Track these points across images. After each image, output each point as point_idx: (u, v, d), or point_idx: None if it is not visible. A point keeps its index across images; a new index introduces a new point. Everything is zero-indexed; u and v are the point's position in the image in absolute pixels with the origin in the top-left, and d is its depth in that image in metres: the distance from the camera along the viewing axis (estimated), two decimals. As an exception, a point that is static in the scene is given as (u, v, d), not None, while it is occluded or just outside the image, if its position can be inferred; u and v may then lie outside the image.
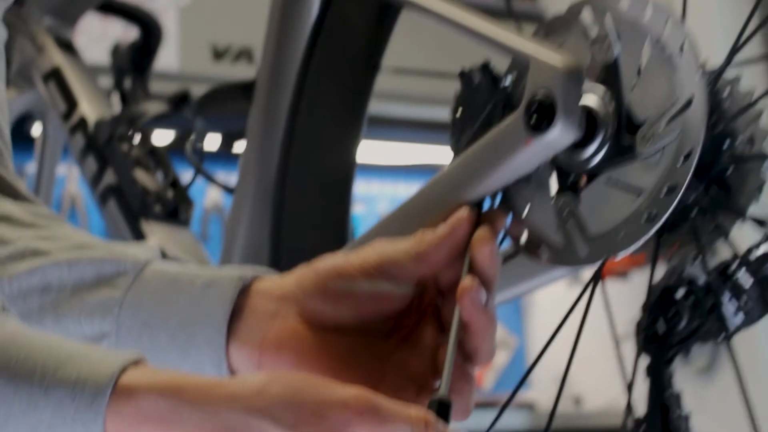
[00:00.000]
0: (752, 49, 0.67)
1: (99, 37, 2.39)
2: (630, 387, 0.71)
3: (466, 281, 0.61)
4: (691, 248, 0.71)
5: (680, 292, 0.73)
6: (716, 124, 0.69)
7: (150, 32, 1.47)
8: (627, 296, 1.94)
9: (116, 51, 1.48)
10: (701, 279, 0.71)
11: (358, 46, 0.90)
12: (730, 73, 0.70)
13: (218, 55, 2.61)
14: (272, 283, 0.65)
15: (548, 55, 0.64)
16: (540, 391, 3.14)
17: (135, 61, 1.45)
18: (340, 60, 0.91)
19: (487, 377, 3.15)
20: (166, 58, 2.52)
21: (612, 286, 2.49)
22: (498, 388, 3.20)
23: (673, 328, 0.73)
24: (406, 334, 0.64)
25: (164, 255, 0.73)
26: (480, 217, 0.65)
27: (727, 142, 0.69)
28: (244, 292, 0.64)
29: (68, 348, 0.52)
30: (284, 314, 0.63)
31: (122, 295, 0.65)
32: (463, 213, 0.64)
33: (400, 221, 0.72)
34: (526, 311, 3.20)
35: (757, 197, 0.69)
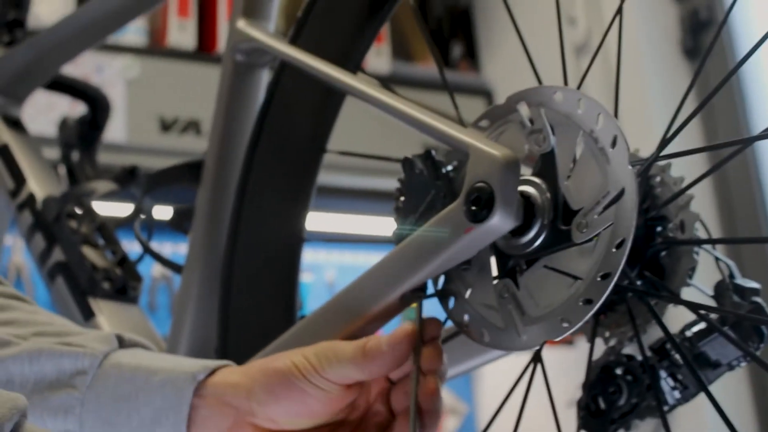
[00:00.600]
0: (684, 138, 0.70)
1: (45, 108, 2.39)
2: (571, 465, 0.73)
3: (431, 384, 0.66)
4: (627, 328, 0.73)
5: (619, 370, 0.75)
6: (649, 210, 0.73)
7: (98, 107, 1.48)
8: (573, 362, 1.96)
9: (64, 125, 1.48)
10: (639, 357, 0.74)
11: (304, 130, 0.92)
12: (660, 162, 0.73)
13: (166, 127, 2.62)
14: (224, 381, 0.69)
15: (487, 147, 0.66)
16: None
17: (83, 135, 1.46)
18: (286, 143, 0.93)
19: (438, 443, 3.15)
20: (114, 130, 2.53)
21: (558, 353, 2.51)
22: (448, 453, 3.19)
23: (612, 404, 0.74)
24: (357, 422, 0.70)
25: (120, 339, 0.74)
26: (421, 304, 0.69)
27: (660, 227, 0.72)
28: (199, 386, 0.69)
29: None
30: (237, 415, 0.68)
31: (82, 395, 0.69)
32: (406, 328, 0.67)
33: (347, 305, 0.73)
34: (476, 378, 3.21)
35: (689, 280, 0.72)
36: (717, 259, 0.75)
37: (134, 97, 2.61)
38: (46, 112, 2.31)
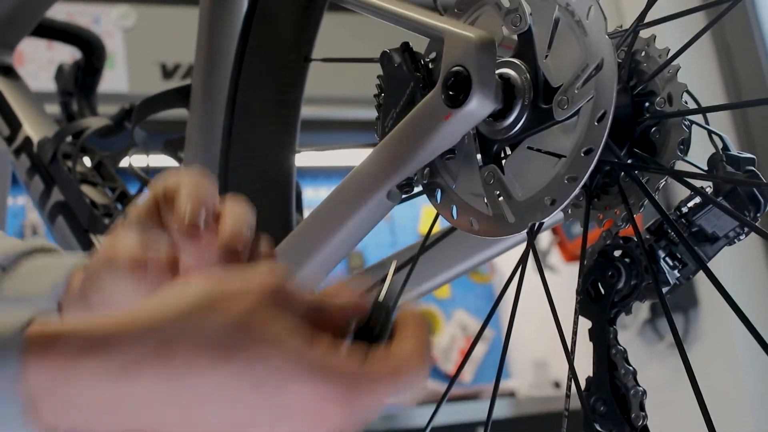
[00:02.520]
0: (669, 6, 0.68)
1: (47, 64, 2.39)
2: (572, 350, 0.73)
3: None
4: (622, 209, 0.73)
5: (616, 252, 0.75)
6: (636, 86, 0.71)
7: (92, 51, 1.47)
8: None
9: (60, 73, 1.48)
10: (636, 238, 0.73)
11: (287, 39, 0.92)
12: (646, 33, 0.71)
13: (167, 73, 2.62)
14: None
15: (461, 30, 0.66)
16: (520, 378, 3.16)
17: (79, 81, 1.45)
18: (271, 54, 0.92)
19: (466, 370, 3.17)
20: (116, 80, 2.53)
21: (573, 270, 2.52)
22: (477, 380, 3.22)
23: (612, 287, 0.74)
24: None
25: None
26: None
27: (647, 102, 0.71)
28: None
29: None
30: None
31: None
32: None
33: (334, 210, 0.73)
34: (500, 304, 3.23)
35: (682, 153, 0.71)
36: (709, 132, 0.74)
37: (133, 46, 2.61)
38: (47, 67, 2.31)
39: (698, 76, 2.31)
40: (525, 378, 3.11)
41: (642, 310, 2.46)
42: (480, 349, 3.15)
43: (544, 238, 2.79)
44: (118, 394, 0.47)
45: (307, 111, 0.95)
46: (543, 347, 2.89)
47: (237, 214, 0.65)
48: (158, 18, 2.65)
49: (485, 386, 3.10)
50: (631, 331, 2.48)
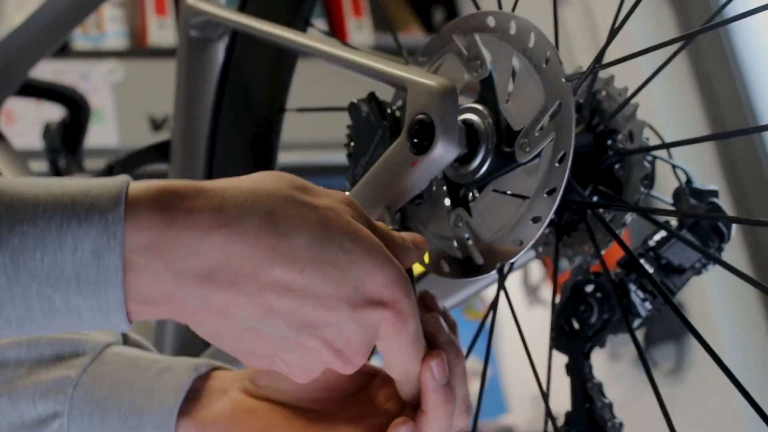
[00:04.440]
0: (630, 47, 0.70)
1: (34, 122, 2.41)
2: (548, 385, 0.73)
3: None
4: (590, 247, 0.74)
5: (588, 288, 0.76)
6: (598, 125, 0.73)
7: (77, 108, 1.49)
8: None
9: (47, 131, 1.49)
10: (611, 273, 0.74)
11: (261, 92, 0.93)
12: (605, 74, 0.73)
13: (156, 126, 2.64)
14: (224, 374, 0.66)
15: (423, 79, 0.67)
16: (518, 413, 3.15)
17: (66, 138, 1.47)
18: (246, 107, 0.94)
19: (464, 407, 3.16)
20: (106, 135, 2.55)
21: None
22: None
23: (585, 322, 0.75)
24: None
25: (126, 339, 0.72)
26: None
27: (610, 140, 0.73)
28: (202, 377, 0.65)
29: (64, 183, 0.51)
30: (232, 390, 0.65)
31: (78, 375, 0.65)
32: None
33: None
34: (498, 340, 3.22)
35: (646, 188, 0.72)
36: (673, 166, 0.75)
37: (122, 100, 2.63)
38: (34, 125, 2.33)
39: (677, 108, 2.33)
40: (523, 412, 3.10)
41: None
42: (475, 386, 3.14)
43: (535, 272, 2.80)
44: (217, 256, 0.50)
45: (283, 157, 0.96)
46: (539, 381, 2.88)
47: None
48: (146, 72, 2.67)
49: (483, 423, 3.09)
50: (625, 361, 2.48)
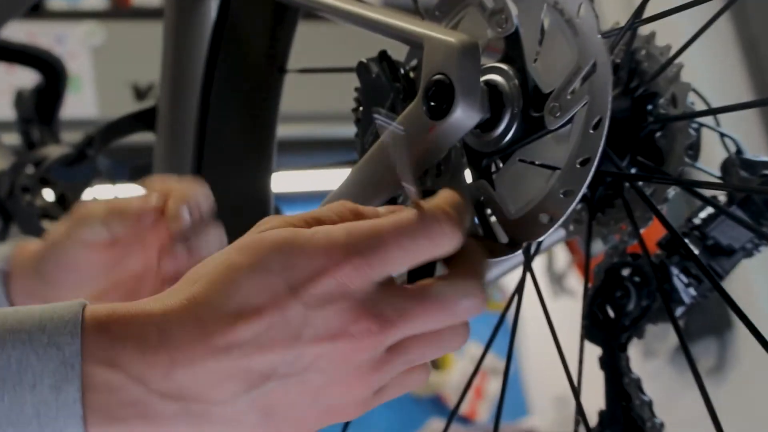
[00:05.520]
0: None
1: (7, 90, 2.40)
2: (579, 381, 0.73)
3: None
4: (627, 225, 0.73)
5: (625, 271, 0.75)
6: (637, 88, 0.72)
7: (52, 73, 1.48)
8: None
9: (19, 98, 1.48)
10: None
11: (259, 51, 0.93)
12: (645, 30, 0.72)
13: (140, 94, 2.63)
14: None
15: (441, 35, 0.66)
16: (541, 415, 3.15)
17: (40, 107, 1.46)
18: (243, 68, 0.93)
19: (482, 407, 3.17)
20: (84, 104, 2.54)
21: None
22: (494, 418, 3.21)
23: (621, 309, 0.74)
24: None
25: None
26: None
27: (650, 105, 0.72)
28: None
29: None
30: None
31: None
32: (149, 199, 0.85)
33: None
34: (520, 336, 3.22)
35: (691, 159, 0.72)
36: (721, 134, 0.74)
37: (102, 66, 2.63)
38: (5, 93, 2.32)
39: (721, 73, 2.32)
40: (546, 415, 3.10)
41: (673, 333, 2.45)
42: (495, 386, 3.14)
43: (560, 258, 2.79)
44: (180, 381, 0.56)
45: (284, 130, 0.96)
46: (564, 380, 2.88)
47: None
48: (128, 35, 2.66)
49: (503, 425, 3.09)
50: (661, 358, 2.48)
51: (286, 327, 0.56)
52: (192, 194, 0.84)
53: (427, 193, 0.61)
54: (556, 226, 0.64)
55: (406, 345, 0.59)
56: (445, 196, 0.60)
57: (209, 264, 0.58)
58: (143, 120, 1.03)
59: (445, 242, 0.59)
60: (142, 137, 1.10)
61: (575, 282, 2.76)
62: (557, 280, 2.82)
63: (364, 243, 0.57)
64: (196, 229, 0.83)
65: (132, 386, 0.55)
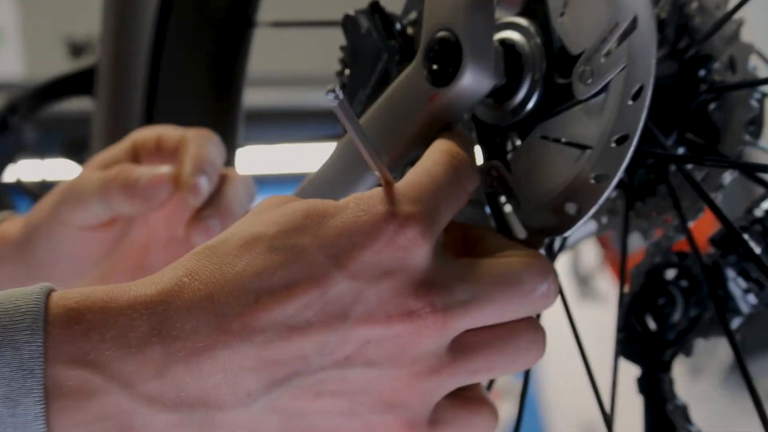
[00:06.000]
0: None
1: None
2: (612, 406, 0.73)
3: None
4: (673, 215, 0.73)
5: (670, 273, 0.75)
6: (687, 49, 0.72)
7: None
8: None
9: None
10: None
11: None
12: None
13: (76, 50, 2.62)
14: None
15: (447, -18, 0.66)
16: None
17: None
18: (203, 17, 0.93)
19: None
20: (7, 63, 2.54)
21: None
22: (508, 448, 3.23)
23: (665, 320, 0.75)
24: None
25: None
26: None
27: (702, 70, 0.72)
28: None
29: None
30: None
31: None
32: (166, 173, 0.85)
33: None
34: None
35: (752, 137, 0.71)
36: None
37: (30, 18, 2.62)
38: None
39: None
40: (570, 444, 3.12)
41: (725, 349, 2.46)
42: (508, 410, 3.15)
43: (588, 255, 2.79)
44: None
45: (252, 97, 0.96)
46: (591, 405, 2.89)
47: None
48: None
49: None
50: (710, 378, 2.49)
51: (327, 304, 0.55)
52: (206, 153, 0.84)
53: None
54: (586, 218, 0.64)
55: (473, 346, 0.57)
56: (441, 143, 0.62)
57: (218, 239, 0.57)
58: (79, 83, 1.03)
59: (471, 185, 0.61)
60: (77, 103, 1.09)
61: (606, 284, 2.76)
62: (584, 281, 2.83)
63: (422, 198, 0.57)
64: (220, 192, 0.85)
65: (112, 390, 0.53)
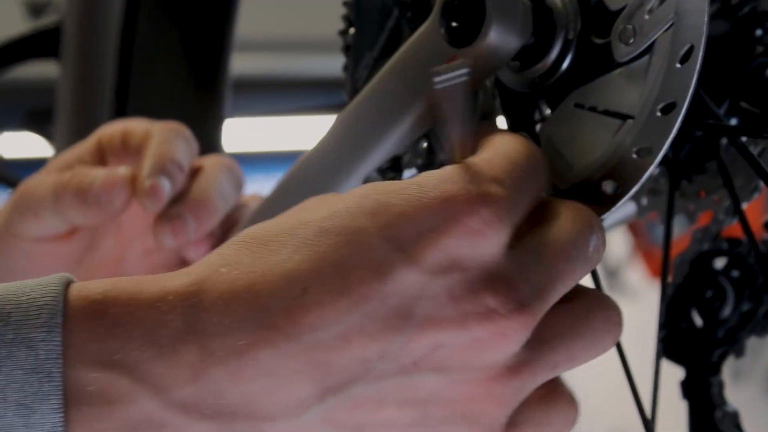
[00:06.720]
0: None
1: None
2: (653, 412, 0.73)
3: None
4: (723, 195, 0.73)
5: (720, 262, 0.75)
6: (741, 5, 0.72)
7: None
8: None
9: None
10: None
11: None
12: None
13: (36, 9, 2.63)
14: None
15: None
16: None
17: None
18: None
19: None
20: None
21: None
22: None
23: (714, 316, 0.75)
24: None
25: None
26: None
27: (759, 30, 0.72)
28: None
29: None
30: None
31: None
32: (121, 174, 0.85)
33: (283, 205, 0.73)
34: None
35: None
36: None
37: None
38: None
39: None
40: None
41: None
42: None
43: (615, 244, 2.80)
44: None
45: (241, 62, 0.95)
46: (622, 410, 2.90)
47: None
48: None
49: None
50: (754, 383, 2.50)
51: (389, 300, 0.53)
52: (169, 150, 0.84)
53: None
54: (626, 198, 0.64)
55: (550, 337, 0.56)
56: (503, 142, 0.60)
57: (262, 225, 0.56)
58: (41, 44, 1.02)
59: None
60: (40, 68, 1.09)
61: (637, 276, 2.77)
62: (612, 273, 2.83)
63: (503, 177, 0.56)
64: (191, 186, 0.85)
65: (142, 396, 0.51)
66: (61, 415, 0.50)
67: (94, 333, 0.51)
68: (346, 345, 0.52)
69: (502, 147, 0.59)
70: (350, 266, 0.52)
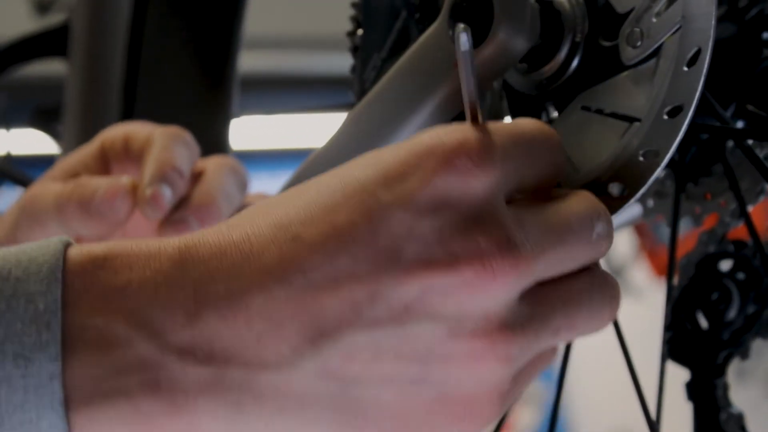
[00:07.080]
0: None
1: None
2: (658, 414, 0.73)
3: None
4: (729, 197, 0.73)
5: (725, 264, 0.75)
6: (750, 6, 0.72)
7: None
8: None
9: None
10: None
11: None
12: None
13: (43, 6, 2.63)
14: None
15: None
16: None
17: None
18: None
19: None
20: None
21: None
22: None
23: (719, 318, 0.75)
24: None
25: None
26: None
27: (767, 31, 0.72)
28: None
29: None
30: None
31: None
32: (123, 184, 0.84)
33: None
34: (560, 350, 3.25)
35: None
36: None
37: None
38: None
39: None
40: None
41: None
42: (527, 417, 3.16)
43: (621, 244, 2.80)
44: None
45: (249, 60, 0.95)
46: (624, 410, 2.90)
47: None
48: None
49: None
50: (756, 384, 2.49)
51: (377, 241, 0.53)
52: (169, 157, 0.84)
53: None
54: (632, 200, 0.64)
55: (550, 299, 0.56)
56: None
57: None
58: (49, 43, 1.03)
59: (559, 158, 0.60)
60: (48, 67, 1.09)
61: (642, 277, 2.76)
62: (617, 274, 2.83)
63: (497, 131, 0.56)
64: (194, 190, 0.85)
65: (138, 339, 0.52)
66: (59, 364, 0.51)
67: (91, 284, 0.52)
68: (336, 287, 0.52)
69: (514, 121, 0.59)
70: (338, 209, 0.53)
